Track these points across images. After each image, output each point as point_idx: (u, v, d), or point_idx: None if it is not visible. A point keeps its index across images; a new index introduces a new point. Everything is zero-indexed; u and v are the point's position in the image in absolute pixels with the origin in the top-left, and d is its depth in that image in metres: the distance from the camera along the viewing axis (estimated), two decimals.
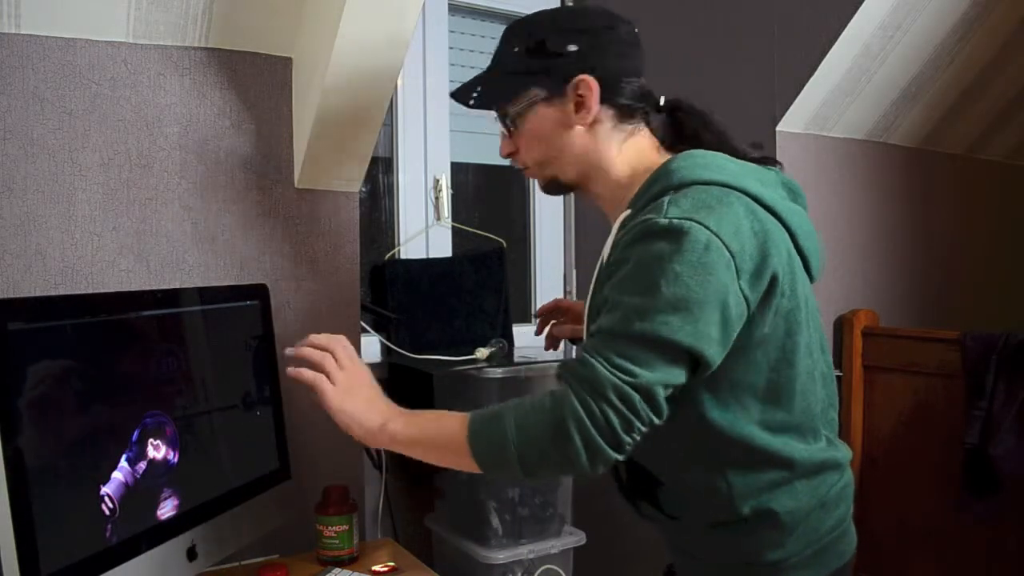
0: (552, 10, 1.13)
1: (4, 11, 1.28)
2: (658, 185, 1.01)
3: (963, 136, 2.57)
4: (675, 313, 0.89)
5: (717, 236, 0.91)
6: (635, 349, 0.90)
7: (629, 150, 1.10)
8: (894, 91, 2.20)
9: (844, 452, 1.09)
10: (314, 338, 1.11)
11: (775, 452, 1.01)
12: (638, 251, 0.93)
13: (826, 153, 2.21)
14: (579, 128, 1.08)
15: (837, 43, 1.92)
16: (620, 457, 0.92)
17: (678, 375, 0.92)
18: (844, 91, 2.09)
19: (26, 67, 1.33)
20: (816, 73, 1.97)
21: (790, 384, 1.01)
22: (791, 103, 2.03)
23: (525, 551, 2.07)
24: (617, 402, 0.89)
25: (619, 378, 0.89)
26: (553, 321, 1.50)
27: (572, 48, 1.05)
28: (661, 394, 0.91)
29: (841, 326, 2.21)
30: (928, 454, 2.00)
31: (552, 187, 1.16)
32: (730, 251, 0.92)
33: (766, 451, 1.00)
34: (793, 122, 2.08)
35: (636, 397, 0.89)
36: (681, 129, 1.12)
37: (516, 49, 1.08)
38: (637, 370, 0.89)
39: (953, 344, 1.93)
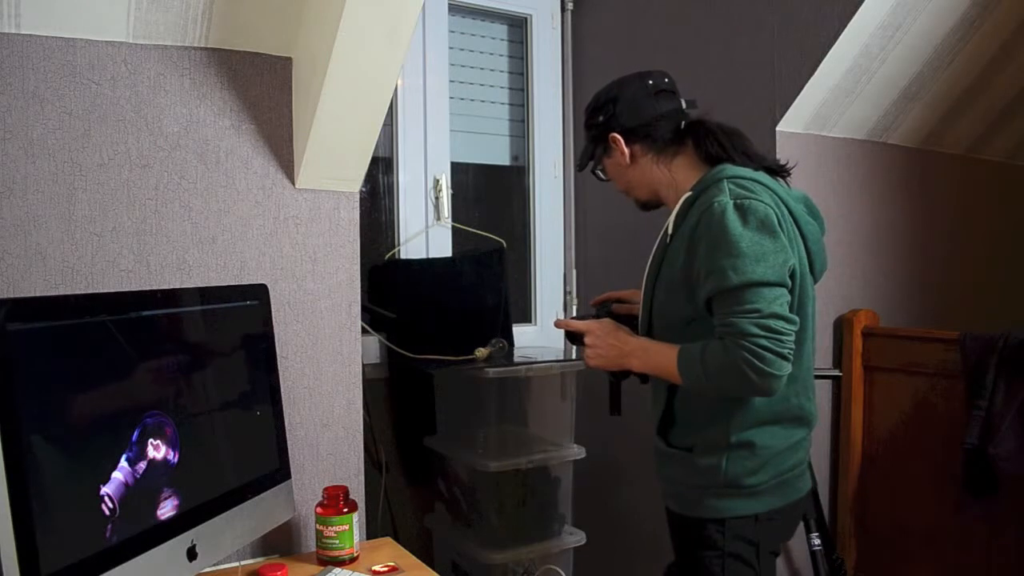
0: (598, 92, 1.55)
1: (4, 11, 1.28)
2: (711, 179, 1.38)
3: (963, 136, 2.57)
4: (758, 262, 1.26)
5: (768, 206, 1.31)
6: (747, 294, 1.26)
7: (678, 169, 1.49)
8: (894, 91, 2.20)
9: (815, 415, 1.45)
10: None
11: (783, 399, 1.36)
12: (717, 225, 1.29)
13: (826, 153, 2.21)
14: (629, 166, 1.52)
15: (837, 43, 1.92)
16: (788, 370, 1.26)
17: (782, 293, 1.29)
18: (844, 91, 2.09)
19: (26, 67, 1.33)
20: (816, 73, 1.97)
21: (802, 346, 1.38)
22: (791, 103, 2.03)
23: (525, 551, 2.07)
24: (762, 332, 1.24)
25: (751, 319, 1.25)
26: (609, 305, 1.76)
27: (601, 118, 1.52)
28: (782, 309, 1.27)
29: (841, 326, 2.21)
30: (928, 454, 2.00)
31: (640, 207, 1.60)
32: (777, 216, 1.32)
33: (783, 400, 1.36)
34: (793, 122, 2.08)
35: (772, 322, 1.25)
36: (706, 147, 1.45)
37: (584, 125, 1.57)
38: (757, 306, 1.25)
39: (953, 344, 1.92)
